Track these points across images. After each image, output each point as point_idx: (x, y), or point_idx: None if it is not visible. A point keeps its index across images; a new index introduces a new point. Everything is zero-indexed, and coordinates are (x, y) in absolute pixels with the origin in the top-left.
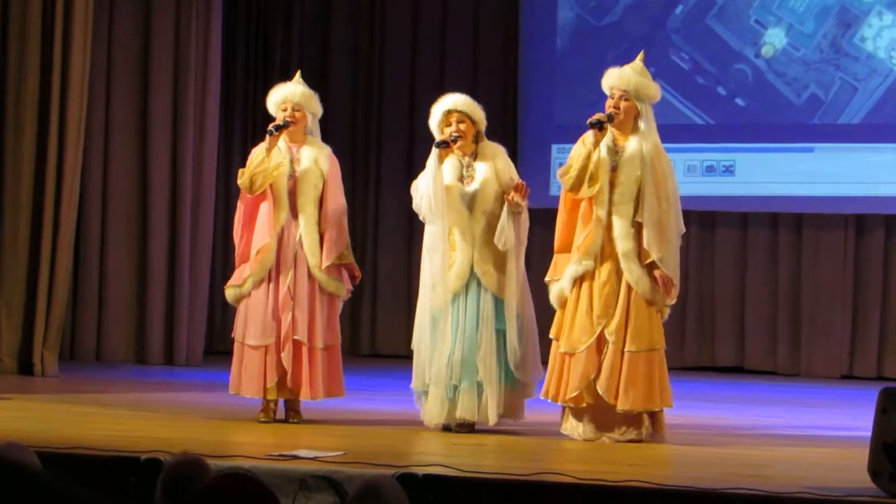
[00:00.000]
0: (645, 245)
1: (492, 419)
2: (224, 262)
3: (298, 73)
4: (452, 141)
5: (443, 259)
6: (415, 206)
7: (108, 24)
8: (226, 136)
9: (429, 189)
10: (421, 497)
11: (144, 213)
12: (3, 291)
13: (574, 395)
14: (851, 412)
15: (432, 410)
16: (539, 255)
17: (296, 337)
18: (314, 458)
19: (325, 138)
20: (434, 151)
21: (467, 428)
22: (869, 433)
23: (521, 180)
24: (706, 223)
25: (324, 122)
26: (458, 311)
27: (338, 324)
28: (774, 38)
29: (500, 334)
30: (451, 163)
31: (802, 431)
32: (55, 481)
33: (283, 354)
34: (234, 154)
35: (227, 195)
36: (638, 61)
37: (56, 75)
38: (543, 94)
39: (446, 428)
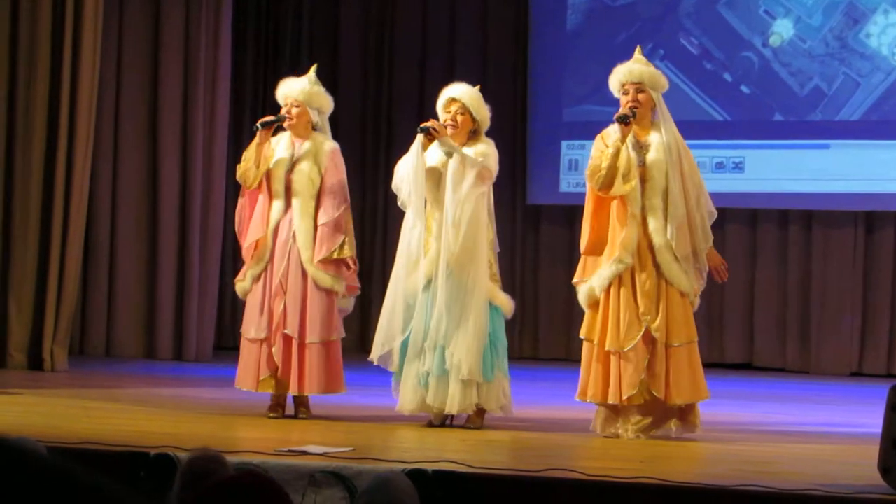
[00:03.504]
0: (669, 238)
1: (454, 408)
2: (234, 258)
3: (313, 69)
4: (434, 130)
5: (419, 240)
6: (394, 186)
7: (118, 21)
8: (236, 131)
9: (408, 172)
10: (430, 493)
11: (154, 208)
12: (13, 287)
13: (632, 393)
14: (861, 409)
15: (405, 396)
16: (549, 248)
17: (286, 331)
18: (323, 454)
19: (335, 133)
20: (418, 136)
21: (475, 423)
22: (879, 430)
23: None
24: (716, 220)
25: (333, 117)
26: (430, 297)
27: (336, 319)
28: (782, 29)
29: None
30: (440, 148)
31: (812, 428)
32: (67, 467)
33: (273, 349)
34: (243, 150)
35: (237, 191)
36: (639, 55)
37: (66, 71)
38: (553, 90)
39: (441, 423)
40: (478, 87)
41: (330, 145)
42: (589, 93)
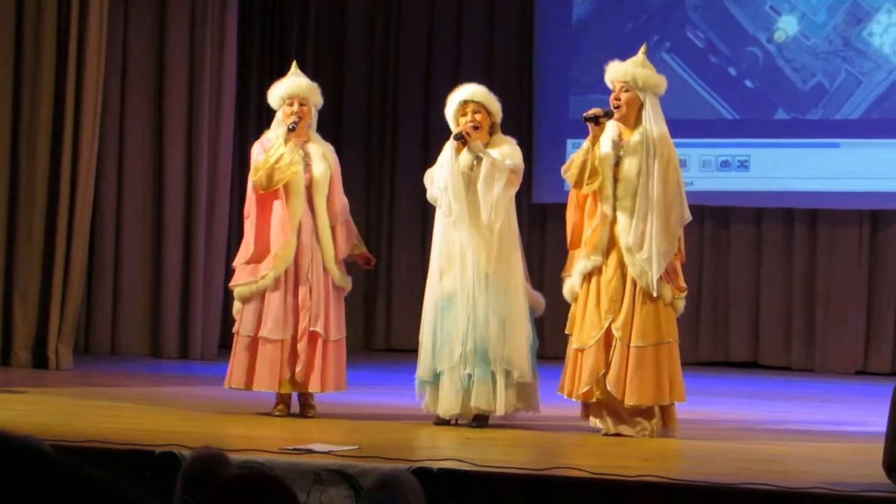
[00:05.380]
0: (632, 242)
1: (500, 409)
2: None
3: (295, 64)
4: (467, 134)
5: (464, 242)
6: (429, 196)
7: (124, 21)
8: (241, 131)
9: (446, 183)
10: (435, 491)
11: (160, 206)
12: (18, 285)
13: (584, 390)
14: (866, 407)
15: (448, 400)
16: (554, 249)
17: (314, 328)
18: (328, 453)
19: (341, 133)
20: (451, 143)
21: (480, 421)
22: (884, 428)
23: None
24: (721, 218)
25: (340, 117)
26: (468, 300)
27: (344, 317)
28: (787, 25)
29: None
30: (464, 151)
31: (817, 427)
32: (73, 463)
33: (299, 346)
34: (249, 149)
35: (242, 189)
36: (640, 54)
37: (71, 72)
38: (559, 81)
39: (445, 422)
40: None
41: (330, 145)
42: (595, 82)
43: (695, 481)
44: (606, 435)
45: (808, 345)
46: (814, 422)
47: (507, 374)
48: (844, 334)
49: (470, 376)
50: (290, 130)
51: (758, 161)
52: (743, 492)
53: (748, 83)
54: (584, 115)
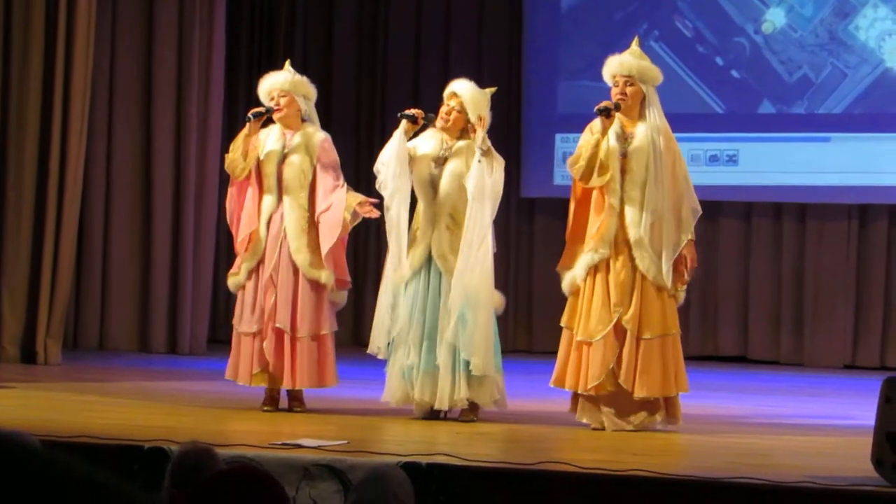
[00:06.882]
0: (641, 235)
1: (444, 404)
2: (227, 251)
3: (288, 63)
4: (421, 119)
5: (402, 233)
6: (375, 168)
7: (111, 21)
8: (229, 127)
9: (388, 159)
10: (424, 486)
11: (148, 201)
12: (6, 279)
13: (596, 383)
14: (854, 402)
15: (391, 387)
16: (543, 241)
17: (277, 325)
18: (317, 447)
19: (330, 123)
20: (402, 123)
21: (439, 413)
22: (872, 422)
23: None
24: (709, 213)
25: (328, 111)
26: (418, 290)
27: (327, 312)
28: (775, 17)
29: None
30: (433, 139)
31: (805, 421)
32: (61, 459)
33: (265, 343)
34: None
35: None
36: (635, 46)
37: (60, 66)
38: (547, 79)
39: (434, 416)
40: (492, 89)
41: (320, 135)
42: (583, 68)
43: (684, 475)
44: (596, 430)
45: (797, 339)
46: (802, 416)
47: (463, 366)
48: (833, 328)
49: (412, 367)
50: (248, 121)
51: (746, 155)
52: (732, 486)
53: (734, 73)
54: (597, 107)
